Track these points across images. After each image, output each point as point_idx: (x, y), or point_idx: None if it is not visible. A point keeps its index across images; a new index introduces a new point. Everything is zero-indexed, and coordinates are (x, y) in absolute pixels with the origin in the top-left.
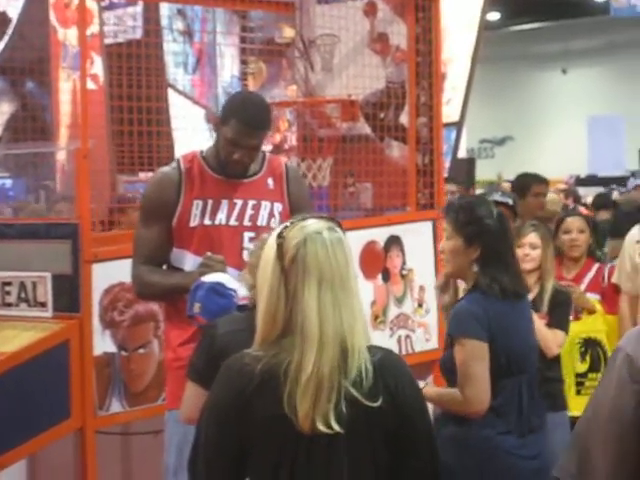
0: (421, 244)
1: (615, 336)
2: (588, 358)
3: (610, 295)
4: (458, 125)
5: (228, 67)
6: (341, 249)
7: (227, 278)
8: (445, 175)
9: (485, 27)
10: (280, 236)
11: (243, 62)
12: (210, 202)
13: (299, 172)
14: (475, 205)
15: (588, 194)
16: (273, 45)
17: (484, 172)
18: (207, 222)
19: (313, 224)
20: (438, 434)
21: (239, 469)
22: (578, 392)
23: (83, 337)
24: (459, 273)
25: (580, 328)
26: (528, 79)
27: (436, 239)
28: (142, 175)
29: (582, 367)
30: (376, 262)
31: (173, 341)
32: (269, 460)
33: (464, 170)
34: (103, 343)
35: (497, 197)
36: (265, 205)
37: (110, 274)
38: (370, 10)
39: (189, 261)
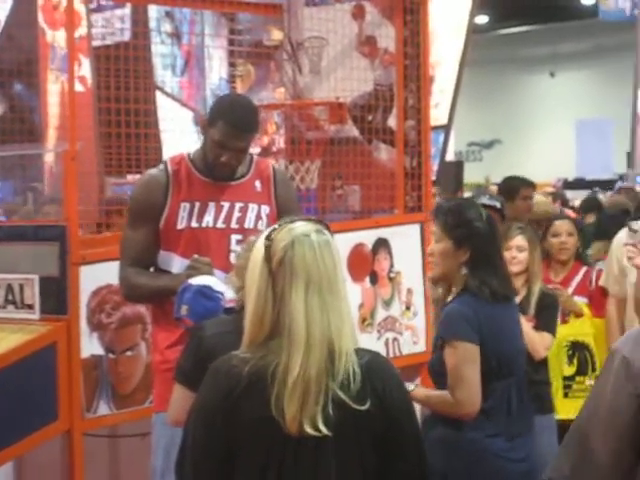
0: (409, 247)
1: (603, 339)
2: (575, 361)
3: (597, 298)
4: (446, 128)
5: (216, 69)
6: (329, 252)
7: (214, 281)
8: (433, 178)
9: (473, 30)
10: (268, 238)
11: (231, 64)
12: (197, 204)
13: (286, 175)
14: (464, 208)
15: (576, 197)
16: (261, 48)
17: (472, 175)
18: (194, 224)
19: (301, 226)
20: (426, 436)
21: (227, 471)
22: (565, 395)
23: (70, 339)
24: (447, 276)
25: (568, 331)
26: (516, 82)
27: (424, 242)
28: (130, 177)
29: (569, 370)
30: (364, 265)
31: (160, 343)
32: (257, 462)
33: (452, 173)
34: (90, 345)
35: (485, 200)
36: (252, 208)
37: (98, 276)
38: (358, 13)
39: (176, 263)
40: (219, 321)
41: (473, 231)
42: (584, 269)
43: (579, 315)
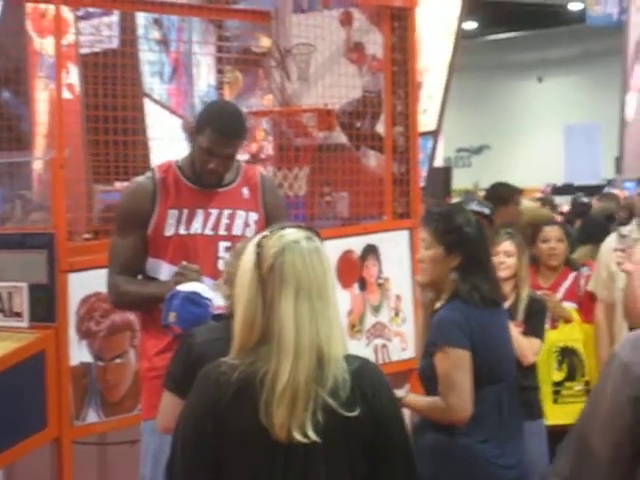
0: (397, 253)
1: (592, 345)
2: (565, 367)
3: (586, 304)
4: (435, 134)
5: (204, 76)
6: (319, 259)
7: (202, 287)
8: (422, 184)
9: (462, 36)
10: (259, 245)
11: (219, 71)
12: (185, 211)
13: (274, 182)
14: (454, 213)
15: (564, 203)
16: (249, 54)
17: (461, 181)
18: (182, 232)
19: (291, 233)
20: (416, 443)
21: (217, 477)
22: (555, 401)
23: (59, 347)
24: (437, 282)
25: (557, 337)
26: (505, 88)
27: (413, 248)
28: (118, 185)
29: (559, 376)
30: (352, 271)
31: (149, 351)
32: (246, 469)
33: (441, 179)
34: (79, 353)
35: (474, 207)
36: (240, 214)
37: (86, 284)
38: (346, 19)
39: (164, 270)
40: (209, 328)
41: (463, 237)
42: (573, 274)
43: (568, 321)
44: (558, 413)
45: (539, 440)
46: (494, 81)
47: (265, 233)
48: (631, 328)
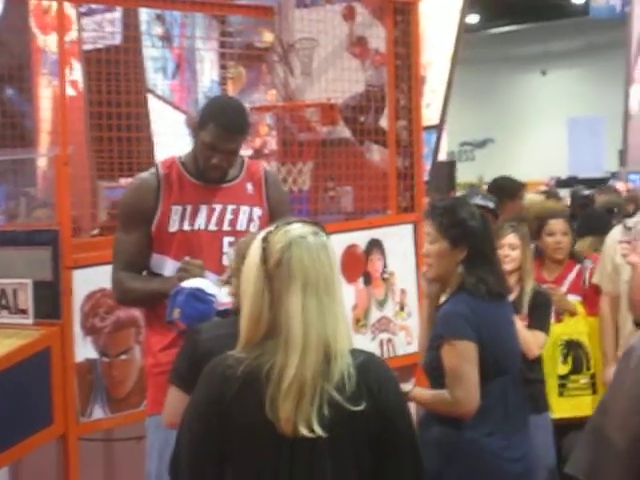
0: (402, 247)
1: (597, 338)
2: (570, 360)
3: (591, 297)
4: (438, 128)
5: (208, 72)
6: (325, 253)
7: (206, 283)
8: (426, 178)
9: (464, 30)
10: (265, 240)
11: (222, 67)
12: (189, 207)
13: (278, 177)
14: (457, 207)
15: (568, 196)
16: (252, 50)
17: (465, 175)
18: (186, 227)
19: (298, 228)
20: (422, 436)
21: (221, 468)
22: (560, 394)
23: (64, 344)
24: (444, 276)
25: (562, 330)
26: (508, 81)
27: (417, 242)
28: (122, 181)
29: (564, 369)
30: (357, 266)
31: (153, 347)
32: (252, 463)
33: (445, 173)
34: (85, 349)
35: (478, 200)
36: (244, 210)
37: (91, 280)
38: (349, 14)
39: (169, 266)
40: (216, 324)
41: (468, 230)
42: (577, 267)
43: (573, 314)
44: (564, 406)
45: (545, 433)
46: (497, 74)
47: (271, 228)
48: (636, 321)
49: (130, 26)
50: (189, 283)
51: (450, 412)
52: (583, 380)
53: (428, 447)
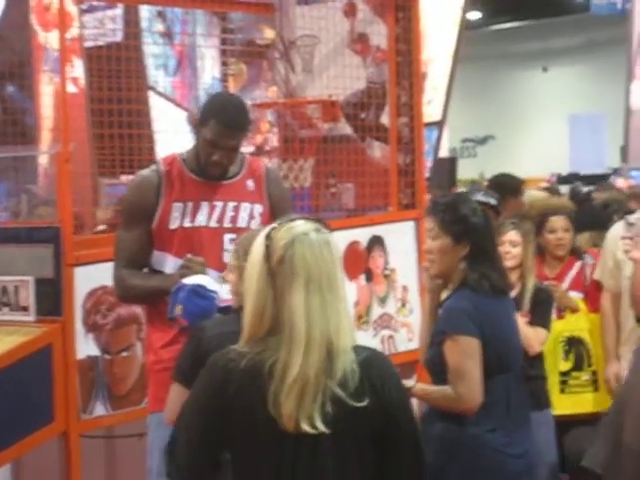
0: (403, 244)
1: (598, 334)
2: (572, 357)
3: (593, 293)
4: (439, 125)
5: (209, 69)
6: (328, 250)
7: (208, 280)
8: (427, 175)
9: (466, 26)
10: (268, 237)
11: (224, 64)
12: (190, 204)
13: (279, 174)
14: (459, 203)
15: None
16: (253, 46)
17: (466, 171)
18: (187, 224)
19: (301, 225)
20: (424, 432)
21: (219, 462)
22: (562, 391)
23: (66, 341)
24: (446, 272)
25: (563, 327)
26: (509, 78)
27: (418, 239)
28: (124, 178)
29: (566, 366)
30: (359, 262)
31: (155, 343)
32: (255, 459)
33: (446, 169)
34: (86, 346)
35: (480, 197)
36: (245, 207)
37: (92, 277)
38: (350, 11)
39: (170, 263)
40: (219, 321)
41: (470, 226)
42: (579, 264)
43: (575, 310)
44: (565, 403)
45: (546, 430)
46: (499, 71)
47: (274, 225)
48: (638, 317)
49: (131, 23)
50: (191, 280)
51: (453, 408)
52: (584, 377)
53: (430, 443)
